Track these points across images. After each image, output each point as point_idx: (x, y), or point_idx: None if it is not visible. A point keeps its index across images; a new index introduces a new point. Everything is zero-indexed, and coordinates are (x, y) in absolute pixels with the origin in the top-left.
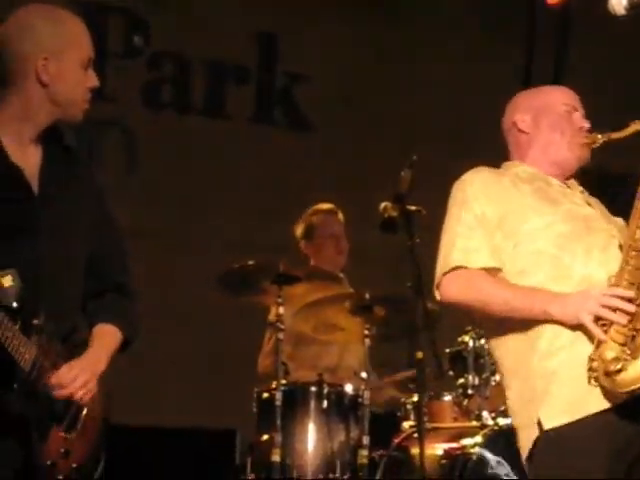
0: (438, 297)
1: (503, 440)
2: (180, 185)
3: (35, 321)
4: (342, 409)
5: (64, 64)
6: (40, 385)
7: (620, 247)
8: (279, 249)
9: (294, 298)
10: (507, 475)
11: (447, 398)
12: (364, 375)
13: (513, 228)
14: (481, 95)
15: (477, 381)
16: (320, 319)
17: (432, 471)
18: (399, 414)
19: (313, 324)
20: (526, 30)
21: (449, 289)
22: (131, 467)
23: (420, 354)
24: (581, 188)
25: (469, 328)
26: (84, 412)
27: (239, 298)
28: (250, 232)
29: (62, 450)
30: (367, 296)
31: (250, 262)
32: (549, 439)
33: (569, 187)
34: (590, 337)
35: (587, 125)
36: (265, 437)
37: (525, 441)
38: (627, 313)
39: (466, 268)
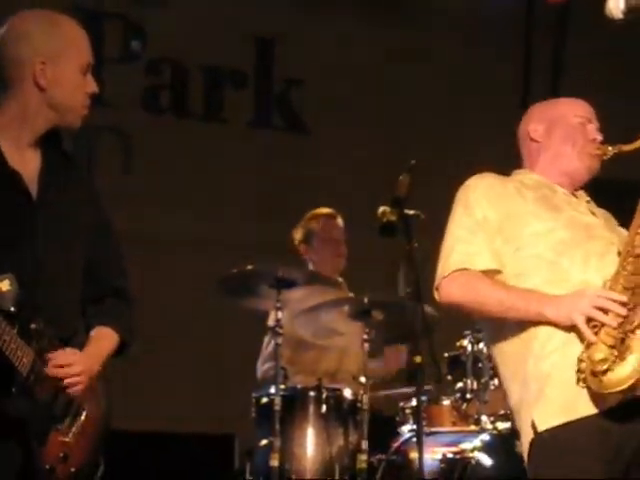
0: (437, 298)
1: (502, 444)
2: (178, 189)
3: (33, 325)
4: (341, 414)
5: (62, 68)
6: (38, 389)
7: (619, 254)
8: (278, 253)
9: (293, 303)
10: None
11: (446, 402)
12: (363, 380)
13: (513, 233)
14: (480, 98)
15: (476, 385)
16: (319, 324)
17: (431, 475)
18: (397, 418)
19: (312, 329)
20: (525, 29)
21: (448, 290)
22: (130, 472)
23: (419, 358)
24: (588, 198)
25: (467, 332)
26: (83, 416)
27: (238, 302)
28: (249, 236)
29: (61, 454)
30: (366, 301)
31: (249, 266)
32: (543, 441)
33: (575, 196)
34: (582, 339)
35: (599, 137)
36: (264, 442)
37: (525, 444)
38: (618, 316)
39: (466, 270)
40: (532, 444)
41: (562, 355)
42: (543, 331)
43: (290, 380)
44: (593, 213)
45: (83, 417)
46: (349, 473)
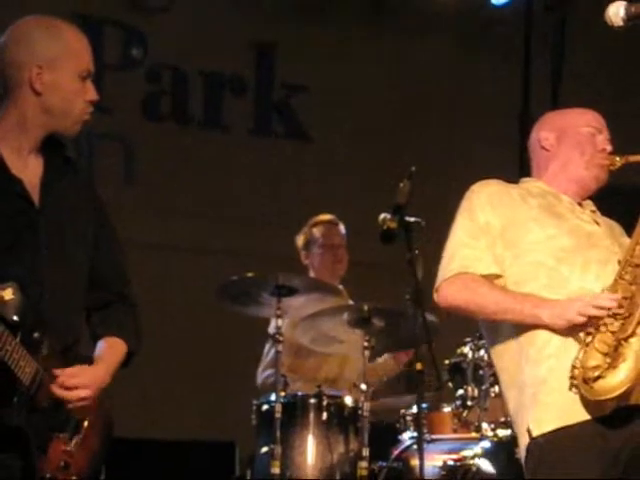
0: (436, 300)
1: (503, 451)
2: (179, 196)
3: (35, 335)
4: (342, 421)
5: (59, 74)
6: (40, 398)
7: (619, 263)
8: (278, 260)
9: (293, 310)
10: None
11: (446, 409)
12: (363, 387)
13: (515, 239)
14: (480, 104)
15: (476, 392)
16: (319, 331)
17: None
18: (398, 425)
19: (312, 336)
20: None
21: (446, 292)
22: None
23: (419, 365)
24: (593, 208)
25: (468, 339)
26: (85, 424)
27: (238, 310)
28: (249, 243)
29: (62, 463)
30: (366, 308)
31: (249, 274)
32: (538, 446)
33: (581, 206)
34: (579, 343)
35: (609, 148)
36: (265, 449)
37: (522, 450)
38: (614, 317)
39: (465, 273)
40: (528, 449)
41: (558, 360)
42: (540, 336)
43: (290, 387)
44: (597, 222)
45: (85, 425)
46: None
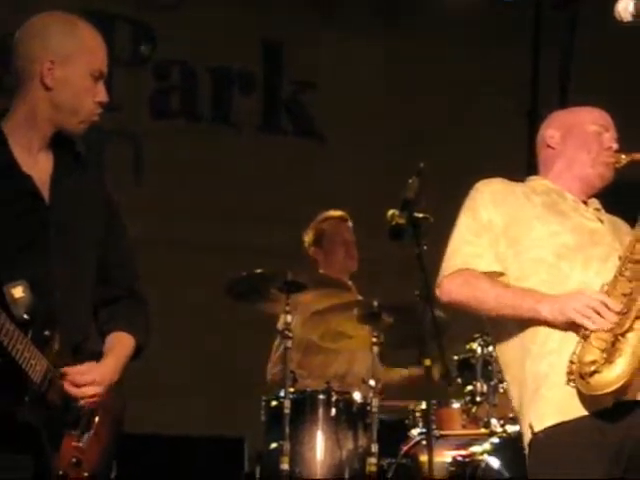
0: (438, 295)
1: (511, 447)
2: (188, 193)
3: (46, 332)
4: (350, 417)
5: (71, 70)
6: (51, 396)
7: (620, 259)
8: (288, 256)
9: (302, 306)
10: None
11: (455, 405)
12: (372, 383)
13: (517, 236)
14: (489, 101)
15: (485, 388)
16: (328, 327)
17: (441, 479)
18: (407, 422)
19: (321, 332)
20: (533, 33)
21: (448, 288)
22: (140, 475)
23: (428, 361)
24: (598, 206)
25: (477, 335)
26: (97, 419)
27: (248, 306)
28: (258, 240)
29: (74, 460)
30: (375, 304)
31: (258, 270)
32: (539, 441)
33: (586, 203)
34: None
35: (615, 146)
36: (274, 445)
37: (525, 445)
38: (610, 323)
39: (467, 270)
40: (529, 445)
41: (559, 356)
42: (542, 332)
43: (300, 383)
44: (600, 220)
45: (96, 421)
46: (359, 476)
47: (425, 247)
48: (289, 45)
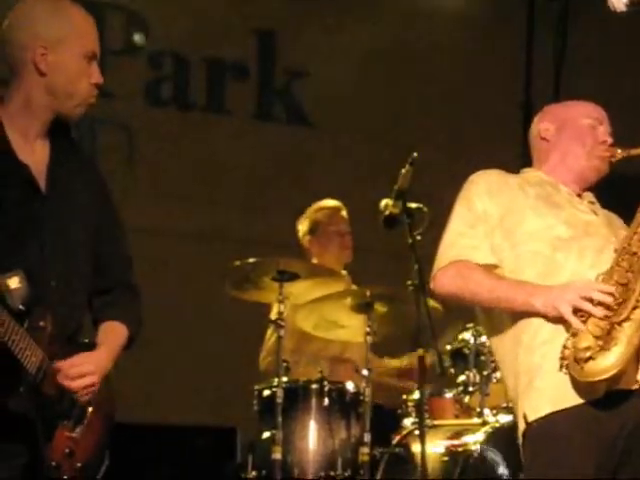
0: (432, 287)
1: (504, 437)
2: (180, 182)
3: (41, 323)
4: (343, 406)
5: (64, 54)
6: (45, 386)
7: (616, 252)
8: (280, 245)
9: (295, 295)
10: (508, 472)
11: (448, 395)
12: (365, 372)
13: (512, 228)
14: (482, 92)
15: (478, 378)
16: (321, 316)
17: (433, 469)
18: (400, 411)
19: (314, 322)
20: (526, 24)
21: (442, 280)
22: (132, 465)
23: (421, 351)
24: (593, 199)
25: (470, 325)
26: (90, 410)
27: (240, 295)
28: (251, 228)
29: (67, 450)
30: (368, 293)
31: (251, 259)
32: (532, 431)
33: (580, 197)
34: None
35: (610, 140)
36: (266, 435)
37: (520, 436)
38: (606, 307)
39: (461, 261)
40: (524, 435)
41: (552, 346)
42: (534, 323)
43: (292, 373)
44: (595, 213)
45: (90, 412)
46: (351, 466)
47: (419, 237)
48: (282, 33)
